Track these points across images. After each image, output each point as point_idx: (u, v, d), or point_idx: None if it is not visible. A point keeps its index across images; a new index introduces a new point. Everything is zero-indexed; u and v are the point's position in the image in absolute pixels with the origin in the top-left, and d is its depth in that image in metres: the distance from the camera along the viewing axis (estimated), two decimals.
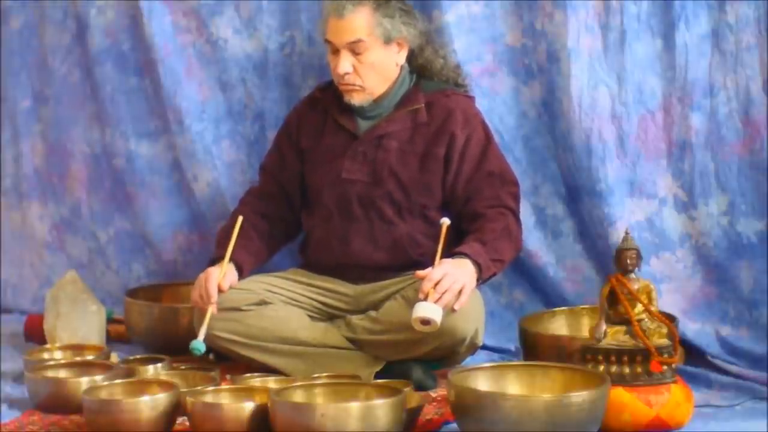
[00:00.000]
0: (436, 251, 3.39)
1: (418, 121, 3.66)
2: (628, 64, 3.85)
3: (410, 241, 3.64)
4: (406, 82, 3.70)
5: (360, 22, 3.59)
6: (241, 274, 3.64)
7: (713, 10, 3.77)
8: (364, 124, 3.70)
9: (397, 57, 3.66)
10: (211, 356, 3.79)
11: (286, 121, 3.88)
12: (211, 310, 3.49)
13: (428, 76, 3.72)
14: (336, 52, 3.63)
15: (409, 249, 3.63)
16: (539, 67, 3.95)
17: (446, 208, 3.62)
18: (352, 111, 3.69)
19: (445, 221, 3.47)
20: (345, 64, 3.61)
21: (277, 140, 3.88)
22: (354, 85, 3.64)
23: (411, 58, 3.71)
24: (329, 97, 3.74)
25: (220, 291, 3.52)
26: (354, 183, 3.66)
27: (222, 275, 3.54)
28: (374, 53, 3.61)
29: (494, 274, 3.51)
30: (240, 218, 3.64)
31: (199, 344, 3.41)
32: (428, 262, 3.38)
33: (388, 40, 3.61)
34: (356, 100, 3.66)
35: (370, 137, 3.66)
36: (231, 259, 3.59)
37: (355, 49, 3.60)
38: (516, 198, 3.65)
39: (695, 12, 3.78)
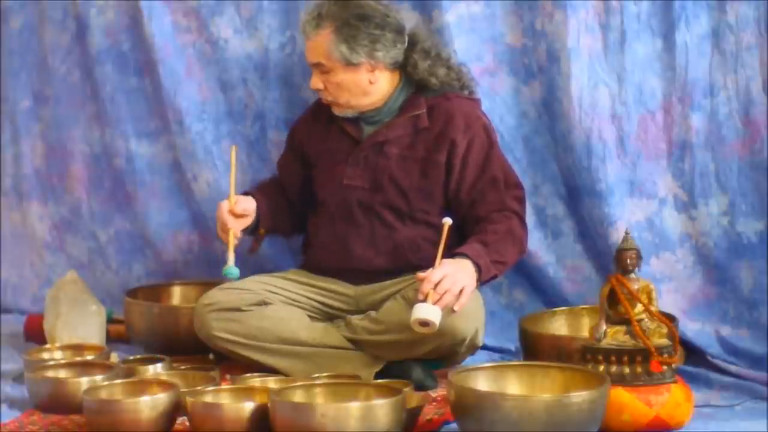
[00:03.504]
0: (437, 252, 3.39)
1: (419, 127, 3.63)
2: (628, 64, 3.85)
3: (411, 246, 3.63)
4: (405, 88, 3.67)
5: (319, 46, 3.59)
6: (259, 210, 3.68)
7: (713, 10, 3.78)
8: (368, 130, 3.68)
9: (370, 76, 3.60)
10: (211, 356, 3.80)
11: (294, 126, 3.89)
12: (232, 234, 3.56)
13: (429, 88, 3.66)
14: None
15: (409, 254, 3.62)
16: (539, 67, 3.95)
17: (449, 212, 3.61)
18: (357, 117, 3.68)
19: (447, 221, 3.46)
20: (315, 80, 3.64)
21: (286, 143, 3.92)
22: (328, 100, 3.65)
23: (407, 70, 3.65)
24: None
25: (233, 215, 3.59)
26: (355, 189, 3.65)
27: (233, 203, 3.60)
28: (338, 75, 3.59)
29: (495, 276, 3.51)
30: (234, 148, 3.69)
31: (231, 269, 3.49)
32: (428, 267, 3.37)
33: (348, 64, 3.58)
34: (338, 112, 3.67)
35: (371, 143, 3.65)
36: (248, 194, 3.68)
37: (320, 69, 3.61)
38: (520, 201, 3.64)
39: (695, 12, 3.78)
